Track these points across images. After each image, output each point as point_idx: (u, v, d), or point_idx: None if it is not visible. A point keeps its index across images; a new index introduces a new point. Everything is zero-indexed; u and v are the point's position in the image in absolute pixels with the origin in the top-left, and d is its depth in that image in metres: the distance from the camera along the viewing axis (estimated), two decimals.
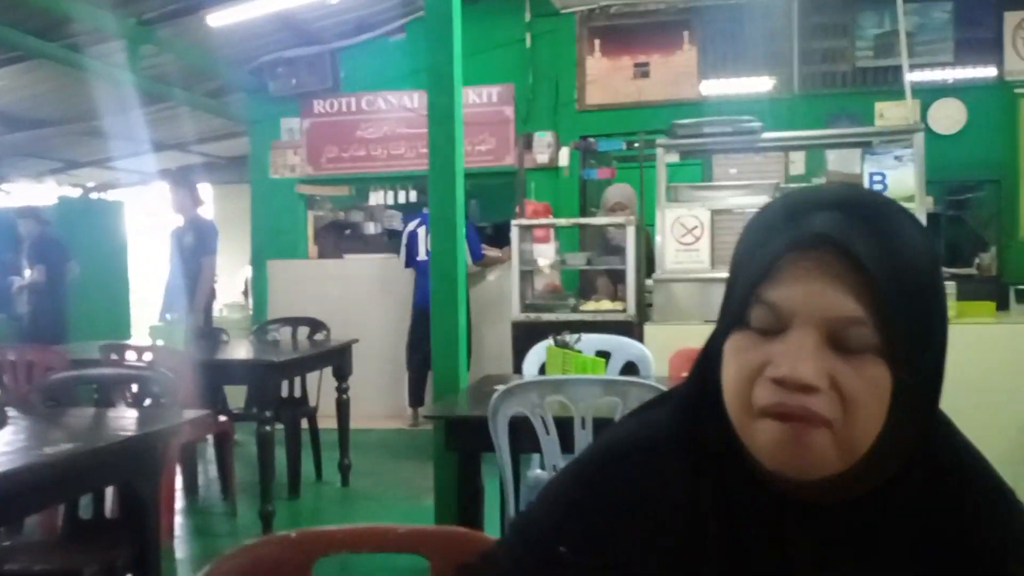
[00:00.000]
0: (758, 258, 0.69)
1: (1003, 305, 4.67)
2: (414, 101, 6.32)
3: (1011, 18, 5.45)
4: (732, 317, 0.70)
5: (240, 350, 4.48)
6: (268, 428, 3.62)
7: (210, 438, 4.25)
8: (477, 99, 6.30)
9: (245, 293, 8.71)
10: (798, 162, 5.80)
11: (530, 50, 6.23)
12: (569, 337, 2.94)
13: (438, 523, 3.03)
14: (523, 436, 2.34)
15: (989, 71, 5.55)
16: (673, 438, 0.77)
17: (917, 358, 0.67)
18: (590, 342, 3.22)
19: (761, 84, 5.91)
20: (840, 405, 0.65)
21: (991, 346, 4.11)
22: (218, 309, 7.05)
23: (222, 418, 4.03)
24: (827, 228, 0.66)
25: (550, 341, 2.96)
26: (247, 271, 7.80)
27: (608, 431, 0.85)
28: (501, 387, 2.34)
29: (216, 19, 5.47)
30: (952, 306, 4.23)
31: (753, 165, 5.87)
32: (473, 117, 6.21)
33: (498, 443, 2.33)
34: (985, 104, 5.52)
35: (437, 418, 2.71)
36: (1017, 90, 5.47)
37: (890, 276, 0.65)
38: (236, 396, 4.53)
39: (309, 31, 6.34)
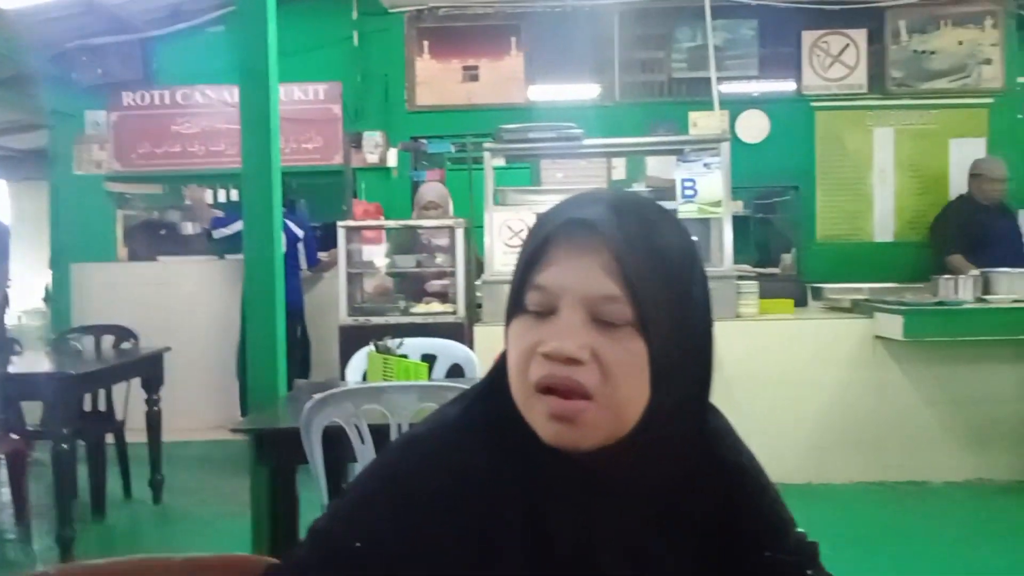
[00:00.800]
0: (531, 246, 0.76)
1: (802, 302, 5.07)
2: (234, 96, 6.01)
3: (808, 36, 5.92)
4: (512, 304, 0.76)
5: (35, 362, 4.12)
6: (64, 446, 3.34)
7: (2, 458, 3.91)
8: (303, 96, 6.11)
9: (46, 299, 8.01)
10: (620, 167, 6.03)
11: (358, 48, 6.11)
12: (391, 342, 2.89)
13: (254, 540, 2.89)
14: (340, 446, 2.27)
15: (789, 85, 6.00)
16: (468, 426, 0.80)
17: (672, 332, 0.73)
18: (416, 346, 3.19)
19: (586, 91, 6.09)
20: (601, 376, 0.71)
21: (790, 340, 4.45)
22: (16, 317, 6.43)
23: (14, 436, 3.71)
24: (587, 215, 0.74)
25: (372, 347, 2.91)
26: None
27: (408, 429, 0.89)
28: (317, 396, 2.26)
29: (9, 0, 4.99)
30: (755, 303, 4.54)
31: (579, 170, 6.05)
32: (299, 114, 6.03)
33: (312, 455, 2.25)
34: (786, 115, 5.96)
35: (247, 431, 2.57)
36: (813, 103, 5.94)
37: (642, 259, 0.73)
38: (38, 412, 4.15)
39: (118, 17, 5.89)
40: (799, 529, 0.86)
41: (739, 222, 6.11)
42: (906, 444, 4.35)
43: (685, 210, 4.57)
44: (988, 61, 5.90)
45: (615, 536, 0.75)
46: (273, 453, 2.47)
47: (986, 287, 4.48)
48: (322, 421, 2.22)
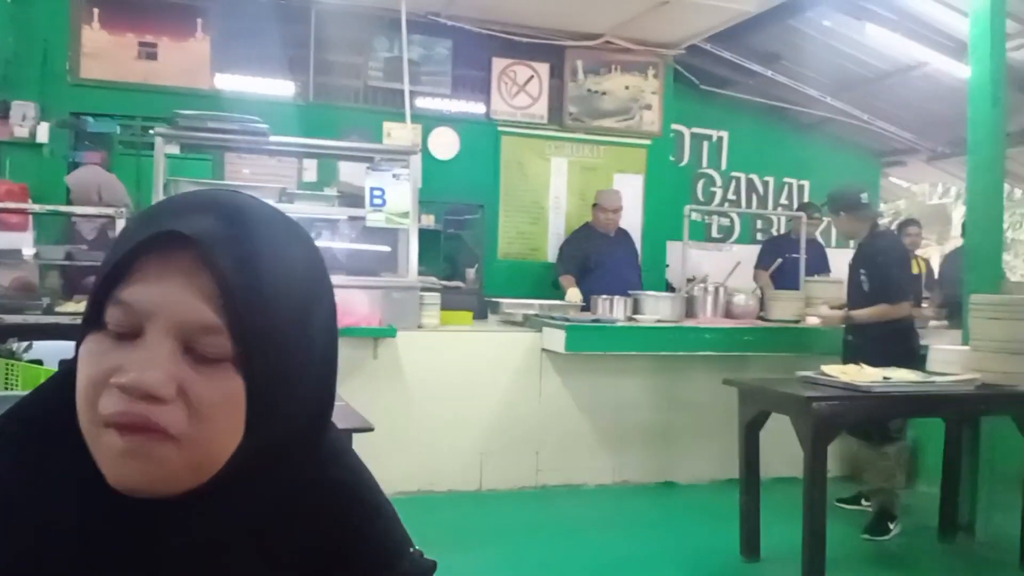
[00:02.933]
0: (118, 251, 0.64)
1: (481, 315, 5.30)
2: None
3: (498, 63, 6.24)
4: (88, 316, 0.64)
5: None
6: None
7: None
8: None
9: None
10: (312, 169, 5.87)
11: (12, 5, 5.30)
12: (16, 345, 2.50)
13: None
14: None
15: (479, 107, 6.26)
16: (17, 460, 0.67)
17: (281, 366, 0.65)
18: (55, 350, 2.78)
19: (280, 87, 5.85)
20: (188, 417, 0.62)
21: (467, 351, 4.61)
22: None
23: None
24: (184, 227, 0.62)
25: None
26: None
27: None
28: None
29: None
30: (436, 314, 4.64)
31: (268, 168, 5.78)
32: None
33: None
34: (475, 136, 6.22)
35: None
36: (500, 128, 6.26)
37: (253, 283, 0.63)
38: None
39: None
40: (414, 548, 0.83)
41: (430, 235, 6.28)
42: (564, 450, 4.72)
43: (373, 218, 4.56)
44: (649, 107, 6.65)
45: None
46: None
47: (636, 308, 5.02)
48: None
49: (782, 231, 7.43)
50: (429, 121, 6.08)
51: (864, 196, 4.43)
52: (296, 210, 4.42)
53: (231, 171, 5.71)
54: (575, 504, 4.42)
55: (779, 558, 3.53)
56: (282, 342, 0.65)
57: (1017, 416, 3.62)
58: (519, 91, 6.29)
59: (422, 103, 6.08)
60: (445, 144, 6.14)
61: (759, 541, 3.61)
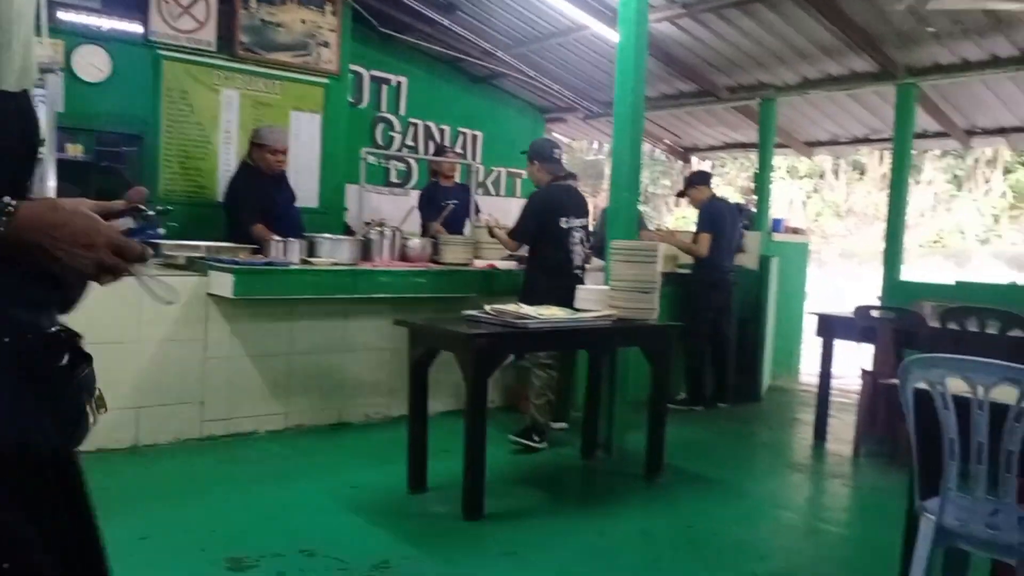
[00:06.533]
0: None
1: None
2: None
3: None
4: None
5: None
6: None
7: None
8: None
9: None
10: None
11: None
12: None
13: None
14: None
15: (136, 26, 5.62)
16: None
17: None
18: None
19: None
20: None
21: (122, 294, 4.18)
22: None
23: None
24: None
25: None
26: None
27: None
28: None
29: None
30: None
31: None
32: None
33: None
34: (131, 58, 5.59)
35: None
36: (161, 51, 5.68)
37: None
38: None
39: None
40: None
41: (79, 167, 5.54)
42: (231, 399, 4.52)
43: None
44: (326, 44, 6.47)
45: None
46: None
47: (311, 251, 4.91)
48: None
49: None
50: (73, 38, 5.35)
51: (557, 152, 4.91)
52: None
53: None
54: (244, 453, 4.28)
55: (444, 486, 3.74)
56: None
57: (645, 347, 4.17)
58: (183, 13, 5.74)
59: (65, 16, 5.32)
60: (93, 65, 5.45)
61: (425, 474, 3.79)
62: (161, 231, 1.07)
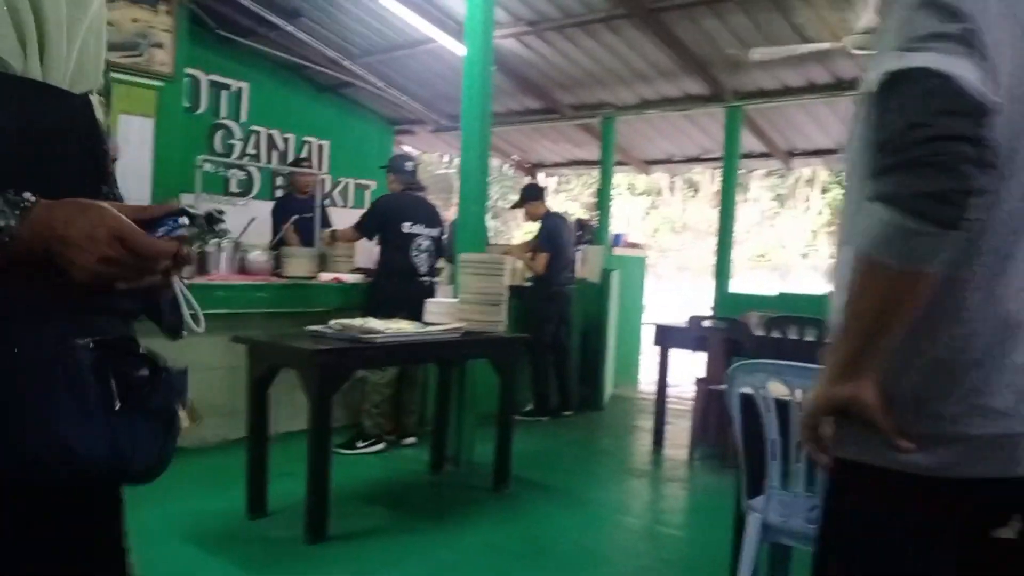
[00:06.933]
0: None
1: None
2: None
3: None
4: None
5: None
6: None
7: None
8: None
9: None
10: None
11: None
12: None
13: None
14: None
15: None
16: None
17: None
18: None
19: None
20: None
21: None
22: None
23: None
24: None
25: None
26: None
27: None
28: None
29: None
30: None
31: None
32: None
33: None
34: None
35: None
36: None
37: None
38: None
39: None
40: None
41: None
42: None
43: None
44: (160, 45, 6.13)
45: None
46: None
47: None
48: None
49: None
50: None
51: (409, 164, 5.32)
52: None
53: None
54: None
55: (285, 510, 3.60)
56: None
57: (493, 359, 4.20)
58: None
59: None
60: None
61: (266, 497, 3.63)
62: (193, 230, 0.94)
